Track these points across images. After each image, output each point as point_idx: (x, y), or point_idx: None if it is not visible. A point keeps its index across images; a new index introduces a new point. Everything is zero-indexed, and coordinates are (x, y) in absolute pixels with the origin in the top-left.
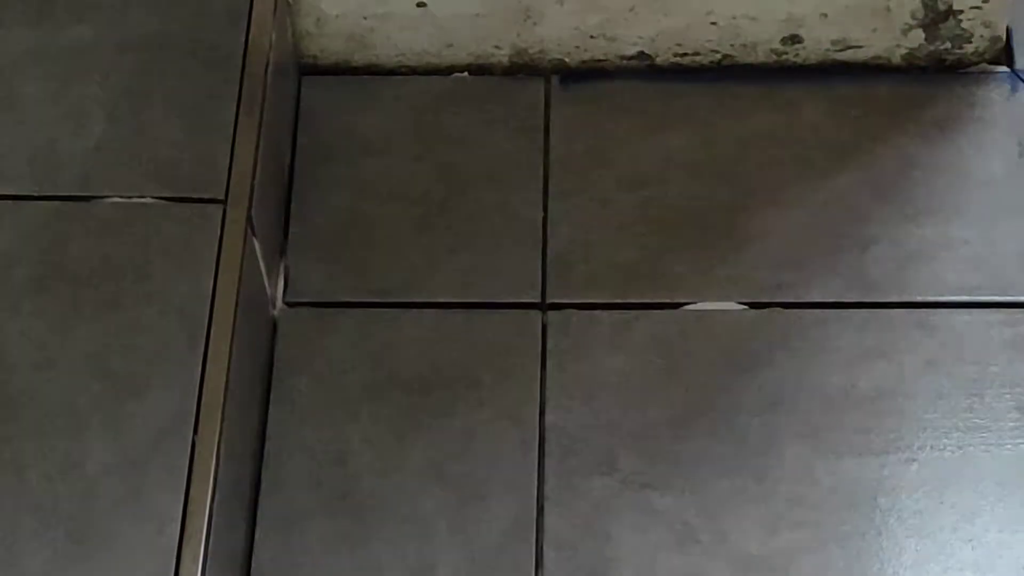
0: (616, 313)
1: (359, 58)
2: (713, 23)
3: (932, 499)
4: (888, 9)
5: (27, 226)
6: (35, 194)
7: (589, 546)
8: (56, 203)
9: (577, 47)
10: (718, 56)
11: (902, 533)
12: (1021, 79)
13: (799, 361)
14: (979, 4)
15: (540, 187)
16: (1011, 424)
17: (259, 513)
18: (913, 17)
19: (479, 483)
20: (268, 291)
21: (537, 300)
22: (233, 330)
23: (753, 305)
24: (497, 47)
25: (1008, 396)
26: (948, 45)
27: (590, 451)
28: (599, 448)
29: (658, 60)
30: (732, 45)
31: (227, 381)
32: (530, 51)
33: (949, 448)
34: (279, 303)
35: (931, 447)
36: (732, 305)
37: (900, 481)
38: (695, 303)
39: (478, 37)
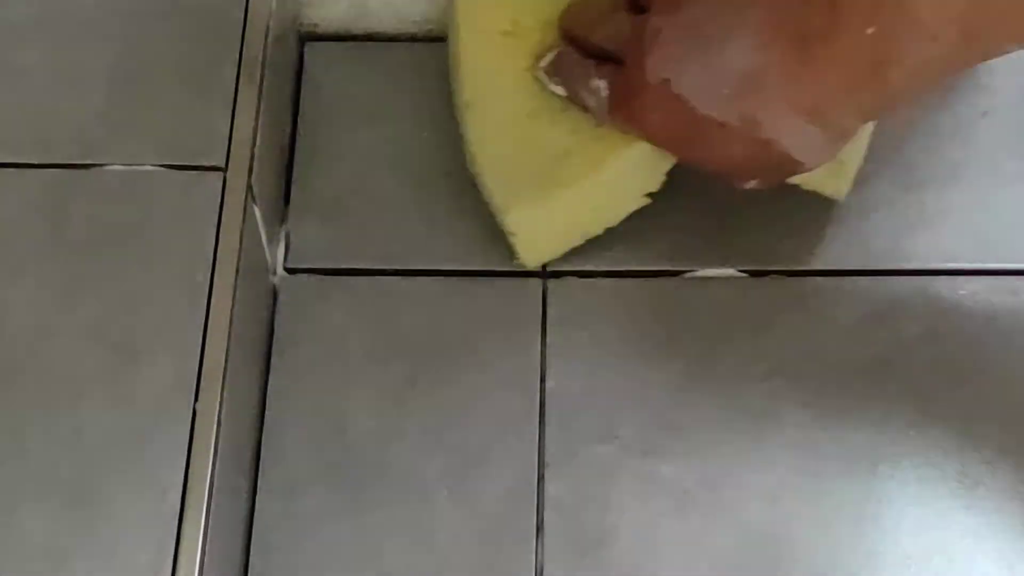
0: (617, 280)
1: (360, 25)
2: None
3: (932, 467)
4: None
5: (28, 194)
6: (35, 162)
7: (590, 513)
8: (57, 171)
9: None
10: None
11: (902, 500)
12: None
13: (799, 329)
14: None
15: None
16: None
17: (260, 481)
18: None
19: (480, 450)
20: (268, 258)
21: (538, 268)
22: (234, 297)
23: (753, 273)
24: None
25: (1010, 362)
26: None
27: (590, 418)
28: (599, 415)
29: None
30: None
31: (228, 348)
32: None
33: (950, 415)
34: (279, 270)
35: (931, 415)
36: (732, 272)
37: (900, 448)
38: (695, 270)
39: None
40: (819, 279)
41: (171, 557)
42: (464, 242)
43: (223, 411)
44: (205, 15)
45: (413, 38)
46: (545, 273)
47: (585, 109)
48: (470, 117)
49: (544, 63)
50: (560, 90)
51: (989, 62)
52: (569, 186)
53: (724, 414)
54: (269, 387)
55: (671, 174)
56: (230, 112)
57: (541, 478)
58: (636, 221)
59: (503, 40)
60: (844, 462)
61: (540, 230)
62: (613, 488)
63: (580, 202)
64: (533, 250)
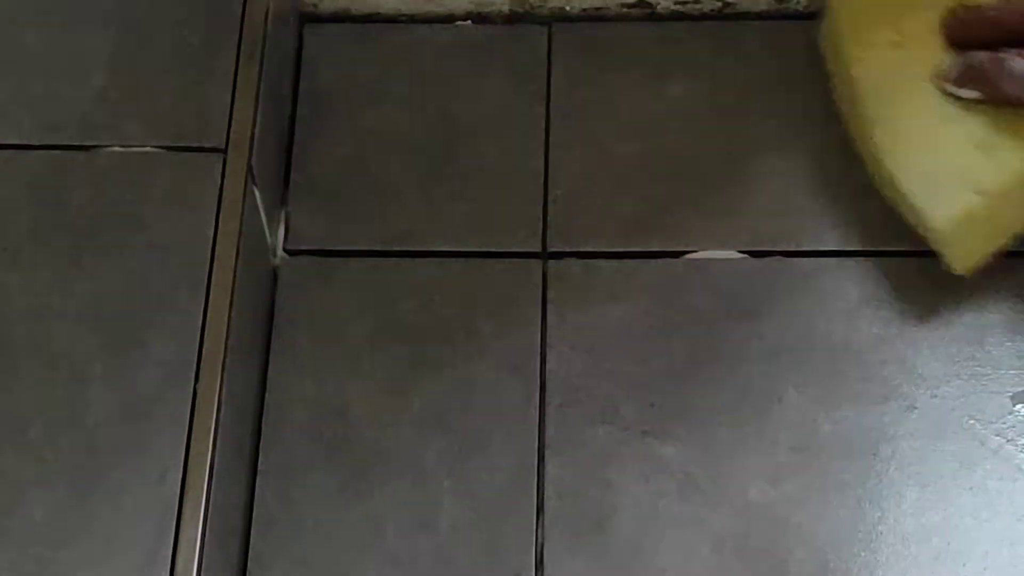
0: (617, 262)
1: (360, 6)
2: None
3: (932, 447)
4: None
5: (27, 176)
6: (35, 143)
7: (590, 495)
8: (56, 152)
9: None
10: (719, 4)
11: (902, 481)
12: None
13: (800, 309)
14: None
15: (541, 136)
16: (1012, 372)
17: (260, 464)
18: None
19: (480, 433)
20: (269, 240)
21: (537, 249)
22: (234, 279)
23: (754, 254)
24: None
25: (1009, 344)
26: None
27: (591, 400)
28: (600, 397)
29: (659, 8)
30: None
31: (228, 330)
32: (531, 0)
33: (950, 396)
34: (280, 252)
35: (931, 395)
36: (733, 254)
37: (900, 429)
38: (696, 252)
39: None
40: (820, 259)
41: (171, 538)
42: (464, 223)
43: (223, 393)
44: None
45: (413, 19)
46: (545, 254)
47: (1005, 103)
48: (879, 134)
49: (952, 76)
50: (972, 94)
51: None
52: (997, 183)
53: (725, 395)
54: (269, 369)
55: (672, 157)
56: (230, 93)
57: (541, 460)
58: (637, 202)
59: (893, 53)
60: (844, 443)
61: (970, 234)
62: (613, 470)
63: (1009, 199)
64: (964, 255)
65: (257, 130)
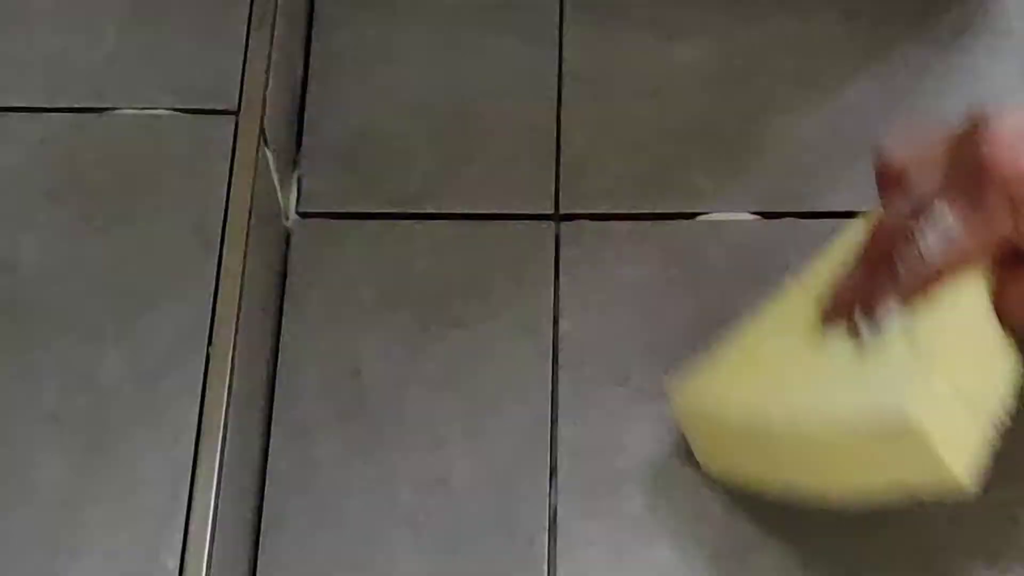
0: (630, 223)
1: None
2: None
3: None
4: None
5: (40, 138)
6: (47, 106)
7: (603, 456)
8: (69, 115)
9: None
10: None
11: None
12: None
13: None
14: None
15: (554, 97)
16: None
17: (274, 424)
18: None
19: (493, 393)
20: (281, 202)
21: (550, 211)
22: (247, 241)
23: (767, 215)
24: None
25: None
26: None
27: (604, 361)
28: (613, 358)
29: None
30: None
31: (241, 292)
32: None
33: None
34: (292, 214)
35: None
36: (746, 215)
37: None
38: (709, 213)
39: None
40: (833, 220)
41: (185, 499)
42: (477, 185)
43: (237, 354)
44: None
45: None
46: (558, 216)
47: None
48: None
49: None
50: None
51: (1005, 1)
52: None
53: None
54: (282, 331)
55: (684, 119)
56: (242, 55)
57: (554, 421)
58: (650, 163)
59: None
60: None
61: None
62: (626, 431)
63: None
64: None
65: (269, 92)
